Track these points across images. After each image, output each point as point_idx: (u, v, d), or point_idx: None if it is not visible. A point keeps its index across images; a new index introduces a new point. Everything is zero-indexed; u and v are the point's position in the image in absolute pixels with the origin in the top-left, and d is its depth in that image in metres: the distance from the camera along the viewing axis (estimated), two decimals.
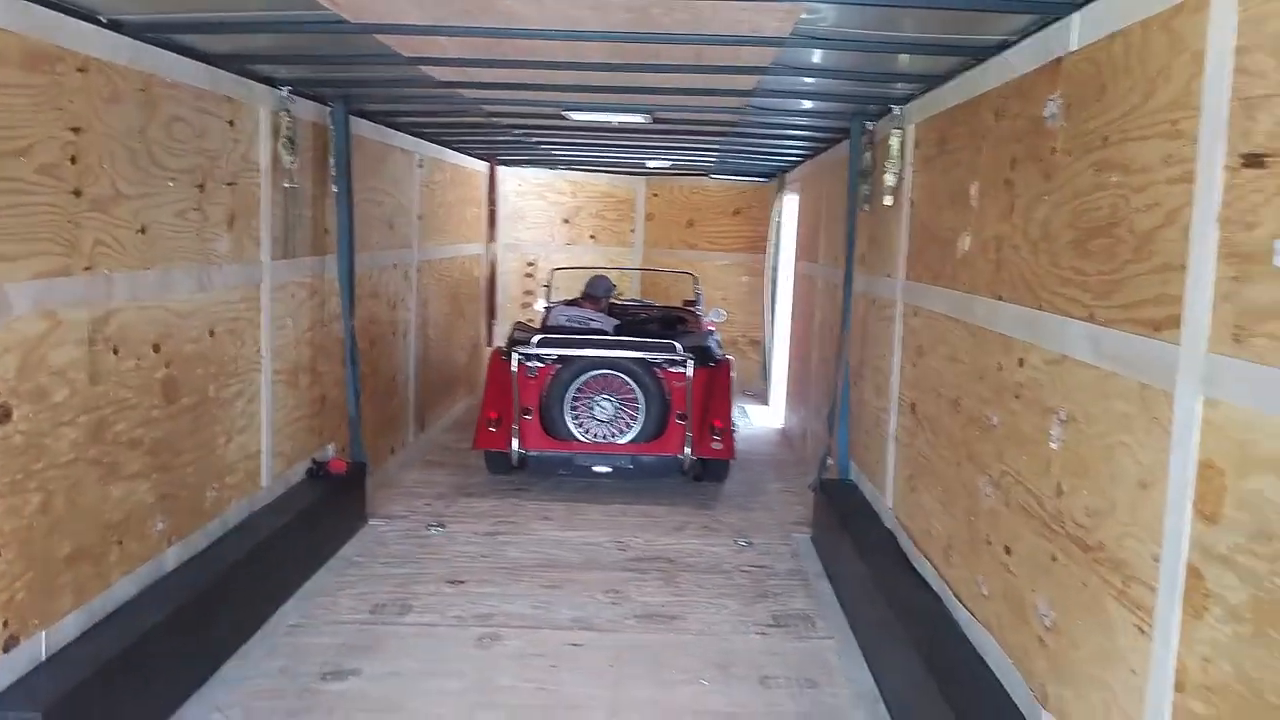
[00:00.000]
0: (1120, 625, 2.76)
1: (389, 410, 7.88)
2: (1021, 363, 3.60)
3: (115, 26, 3.90)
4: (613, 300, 9.88)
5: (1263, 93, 2.19)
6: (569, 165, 11.84)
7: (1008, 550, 3.67)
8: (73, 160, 3.64)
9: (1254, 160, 2.21)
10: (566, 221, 12.54)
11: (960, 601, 4.18)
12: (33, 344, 3.45)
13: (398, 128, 7.69)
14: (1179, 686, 2.44)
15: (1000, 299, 3.84)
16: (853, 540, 5.41)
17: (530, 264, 12.45)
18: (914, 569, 4.86)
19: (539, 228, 12.48)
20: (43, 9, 3.46)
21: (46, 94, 3.48)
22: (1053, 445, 3.29)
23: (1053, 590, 3.24)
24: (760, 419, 10.91)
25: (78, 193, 3.67)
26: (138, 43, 4.05)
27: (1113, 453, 2.86)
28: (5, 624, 3.35)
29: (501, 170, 11.80)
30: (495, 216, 11.45)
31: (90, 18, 3.76)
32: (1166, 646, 2.49)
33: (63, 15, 3.58)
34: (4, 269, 3.28)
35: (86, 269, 3.74)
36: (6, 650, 3.36)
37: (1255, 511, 2.17)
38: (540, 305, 9.77)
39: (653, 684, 4.49)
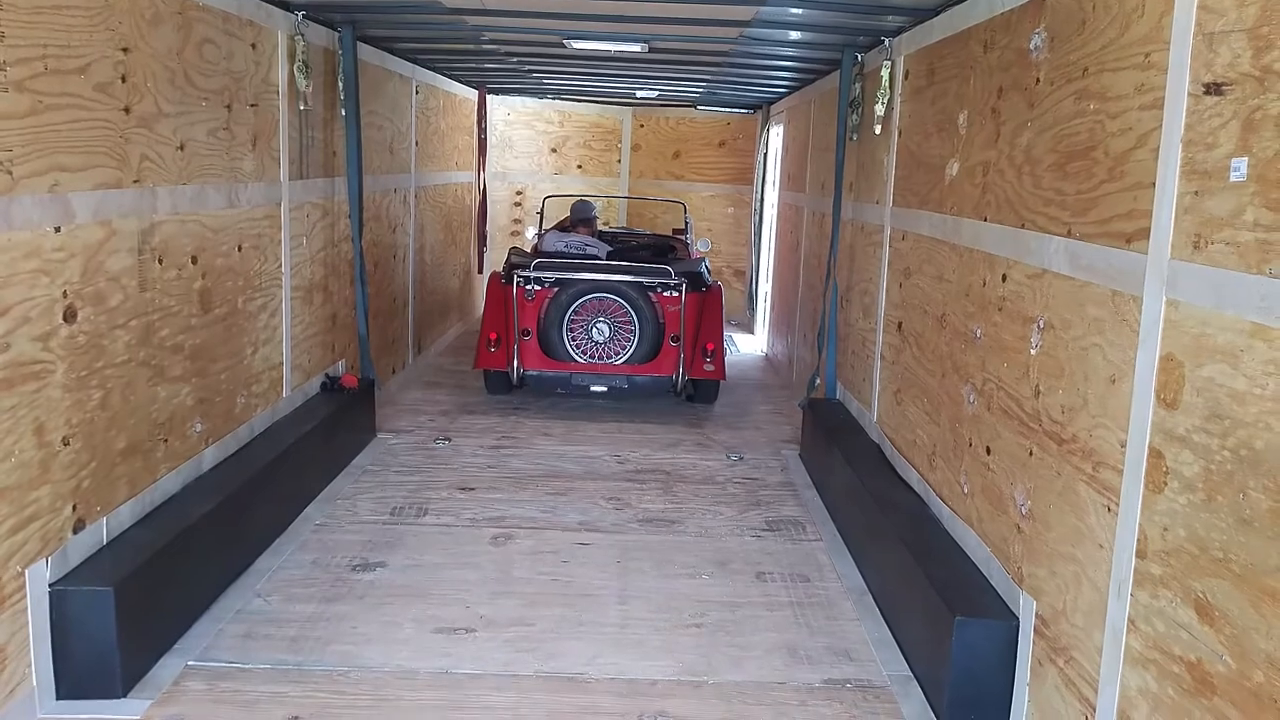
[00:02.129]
0: (1090, 506, 3.11)
1: (390, 331, 8.16)
2: (1005, 278, 3.93)
3: None
4: (602, 228, 10.15)
5: (1222, 28, 2.49)
6: (558, 95, 12.02)
7: (988, 450, 4.02)
8: (123, 79, 3.87)
9: (1214, 88, 2.52)
10: (554, 151, 12.75)
11: (943, 500, 4.55)
12: (93, 250, 3.72)
13: (396, 53, 7.87)
14: (1140, 554, 2.80)
15: (986, 220, 4.16)
16: (840, 452, 5.77)
17: (519, 193, 12.68)
18: (899, 476, 5.22)
19: (527, 157, 12.69)
20: None
21: (100, 14, 3.71)
22: (1032, 351, 3.63)
23: (1029, 481, 3.59)
24: (746, 346, 11.25)
25: (127, 110, 3.91)
26: None
27: (1086, 354, 3.19)
28: (75, 508, 3.66)
29: (491, 99, 11.96)
30: (485, 145, 11.65)
31: None
32: (1130, 520, 2.84)
33: None
34: (68, 179, 3.54)
35: (135, 182, 4.00)
36: (76, 532, 3.67)
37: (1208, 396, 2.51)
38: (531, 233, 10.02)
39: (658, 576, 4.86)
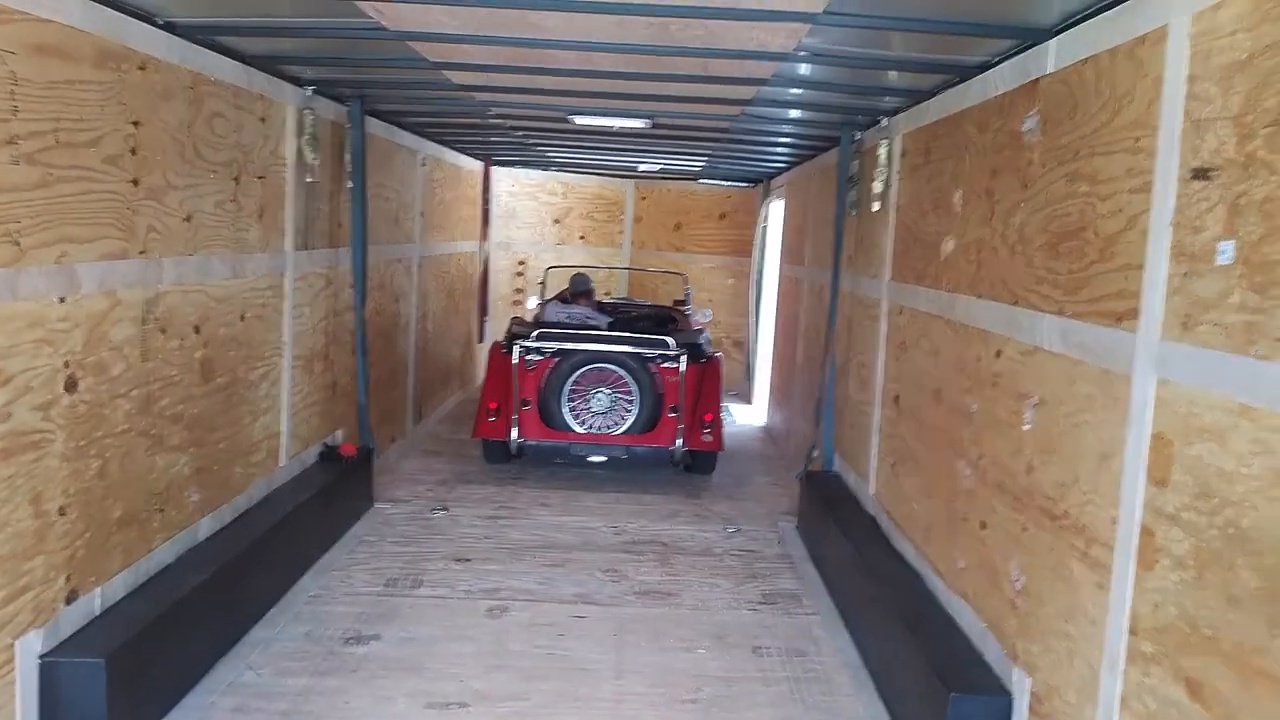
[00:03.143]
0: (1083, 582, 3.12)
1: (390, 400, 8.19)
2: (999, 354, 3.97)
3: (169, 28, 4.21)
4: (602, 299, 10.24)
5: (1209, 115, 2.56)
6: (562, 167, 12.18)
7: (983, 525, 4.03)
8: (133, 151, 3.95)
9: (1201, 173, 2.58)
10: (557, 222, 12.88)
11: (938, 575, 4.54)
12: (96, 320, 3.76)
13: (404, 126, 8.00)
14: (1132, 631, 2.80)
15: (980, 297, 4.21)
16: (837, 525, 5.77)
17: (521, 263, 12.78)
18: (894, 550, 5.21)
19: (530, 227, 12.82)
20: (112, 11, 3.77)
21: (113, 90, 3.79)
22: (1025, 427, 3.65)
23: (1023, 557, 3.60)
24: (745, 417, 11.26)
25: (136, 182, 3.99)
26: (187, 43, 4.36)
27: (1078, 431, 3.22)
28: (68, 578, 3.66)
29: (496, 170, 12.12)
30: (489, 215, 11.77)
31: (148, 19, 4.07)
32: (1122, 597, 2.85)
33: (127, 17, 3.89)
34: (75, 250, 3.59)
35: (141, 253, 4.05)
36: (69, 603, 3.66)
37: (1197, 474, 2.53)
38: (534, 303, 10.10)
39: (654, 651, 4.84)
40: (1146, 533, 2.75)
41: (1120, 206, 3.02)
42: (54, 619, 3.56)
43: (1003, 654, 3.72)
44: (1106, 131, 3.15)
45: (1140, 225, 2.88)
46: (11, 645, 3.35)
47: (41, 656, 3.47)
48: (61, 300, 3.53)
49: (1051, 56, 3.63)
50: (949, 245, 4.69)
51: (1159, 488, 2.70)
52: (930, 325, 4.92)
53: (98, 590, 3.86)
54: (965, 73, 4.50)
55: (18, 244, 3.27)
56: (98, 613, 3.85)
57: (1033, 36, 3.74)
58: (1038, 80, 3.74)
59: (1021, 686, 3.52)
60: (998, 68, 4.18)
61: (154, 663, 3.90)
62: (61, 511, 3.59)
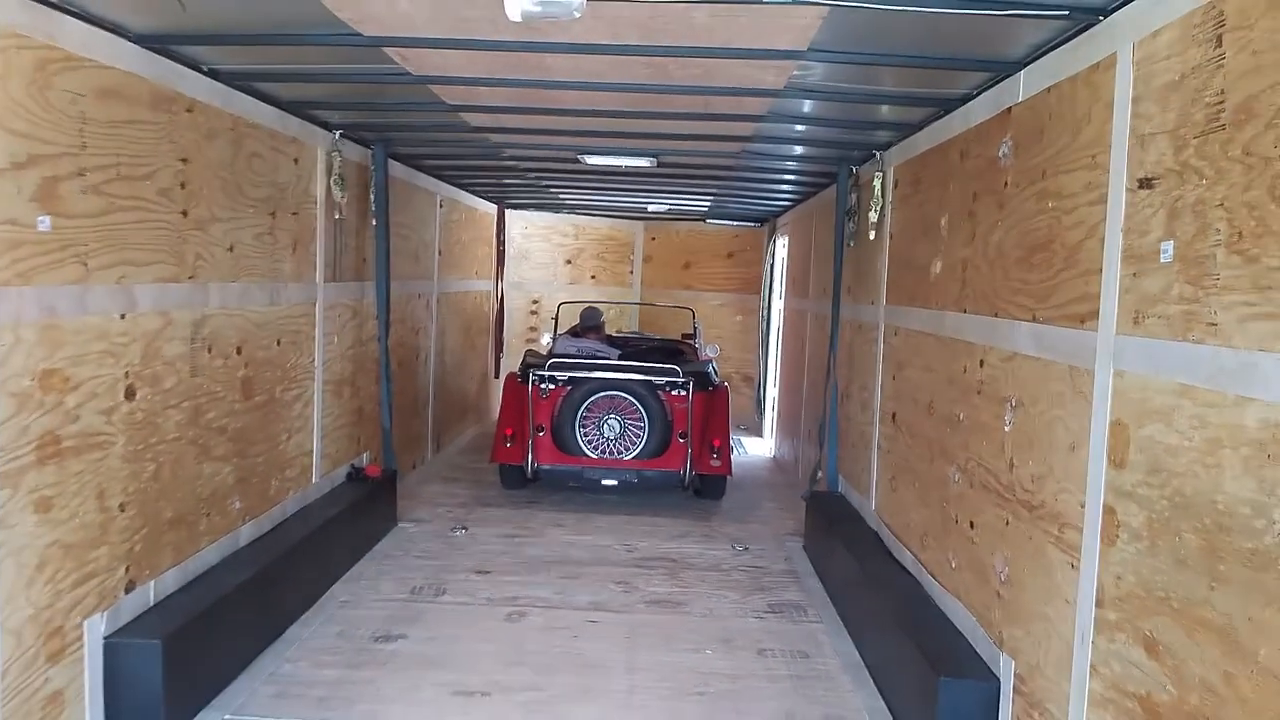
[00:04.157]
0: (1057, 565, 3.41)
1: (412, 428, 8.52)
2: (982, 363, 4.28)
3: (213, 75, 4.59)
4: (614, 333, 10.57)
5: (1151, 130, 2.89)
6: (573, 209, 12.58)
7: (971, 525, 4.32)
8: (182, 186, 4.32)
9: (1146, 182, 2.91)
10: (569, 262, 13.26)
11: (934, 577, 4.82)
12: (151, 337, 4.11)
13: (422, 170, 8.40)
14: (1099, 603, 3.09)
15: (965, 311, 4.53)
16: (840, 541, 6.05)
17: (535, 302, 13.15)
18: (894, 559, 5.49)
19: (543, 268, 13.20)
20: (164, 59, 4.15)
21: (165, 129, 4.17)
22: (1006, 429, 3.96)
23: (1007, 550, 3.88)
24: (755, 449, 11.56)
25: (185, 213, 4.35)
26: (229, 89, 4.74)
27: (1050, 426, 3.52)
28: (127, 569, 3.98)
29: (509, 213, 12.52)
30: (503, 256, 12.16)
31: (195, 67, 4.45)
32: (1090, 573, 3.14)
33: (178, 65, 4.27)
34: (134, 272, 3.95)
35: (190, 278, 4.41)
36: (127, 592, 3.99)
37: (1149, 453, 2.83)
38: (546, 338, 10.44)
39: (664, 651, 5.11)
40: (1108, 511, 3.05)
41: (1081, 218, 3.34)
42: (115, 605, 3.89)
43: (990, 642, 4.00)
44: (1069, 151, 3.48)
45: (1098, 234, 3.20)
46: (80, 625, 3.67)
47: (105, 638, 3.79)
48: (122, 317, 3.88)
49: (1021, 86, 3.98)
50: (937, 266, 5.01)
51: (1118, 469, 3.00)
52: (922, 343, 5.23)
53: (152, 583, 4.18)
54: (949, 105, 4.85)
55: (85, 265, 3.63)
56: (152, 603, 4.18)
57: (1005, 69, 4.08)
58: (1010, 109, 4.08)
59: (1007, 670, 3.79)
60: (977, 99, 4.52)
61: (203, 649, 4.20)
62: (121, 508, 3.92)
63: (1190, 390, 2.63)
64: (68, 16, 3.50)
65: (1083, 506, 3.22)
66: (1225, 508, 2.43)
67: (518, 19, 3.09)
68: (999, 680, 3.85)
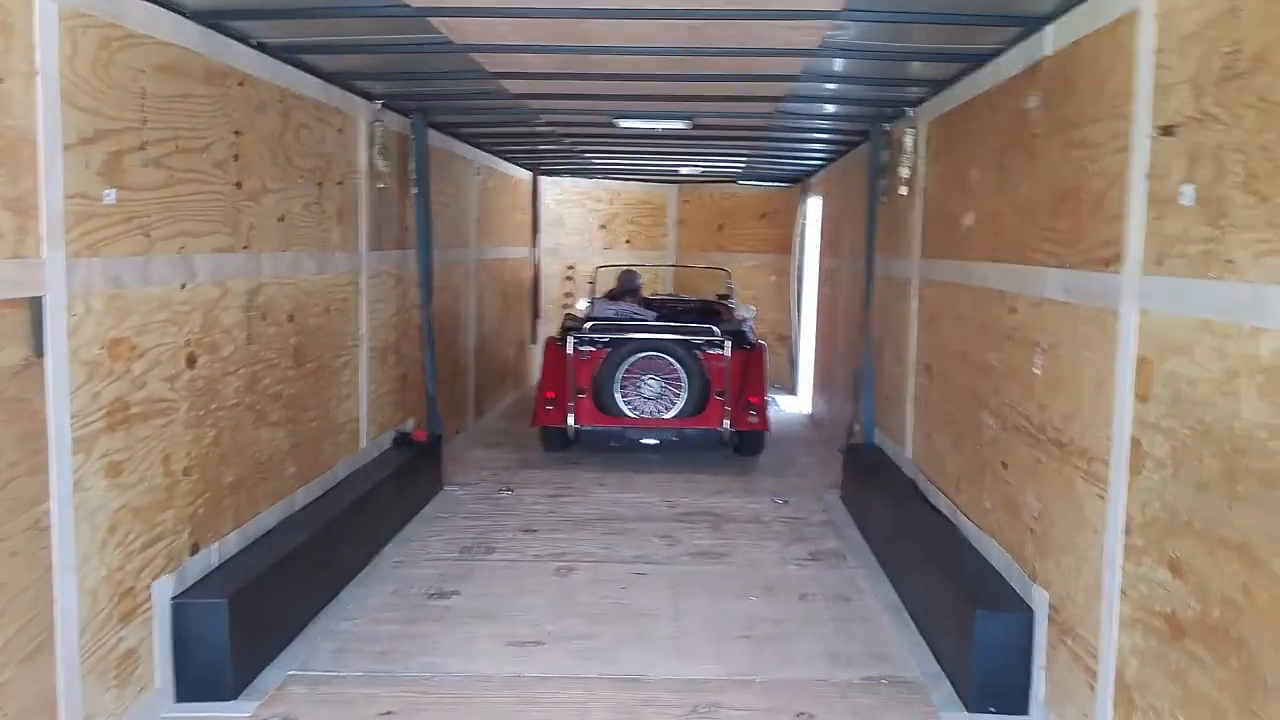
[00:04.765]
0: (1086, 498, 3.53)
1: (453, 395, 8.72)
2: (1012, 310, 4.39)
3: (261, 48, 4.75)
4: (650, 295, 10.72)
5: (1172, 80, 2.99)
6: (607, 174, 12.70)
7: (1005, 466, 4.45)
8: (235, 158, 4.49)
9: (1167, 130, 3.01)
10: (603, 227, 13.39)
11: (969, 519, 4.95)
12: (210, 306, 4.29)
13: (459, 138, 8.54)
14: (1127, 531, 3.22)
15: (996, 262, 4.64)
16: (877, 490, 6.19)
17: (570, 268, 13.30)
18: (931, 505, 5.62)
19: (578, 233, 13.34)
20: (216, 34, 4.30)
21: (219, 103, 4.33)
22: (1036, 372, 4.07)
23: (1039, 487, 4.01)
24: (790, 407, 11.69)
25: (239, 184, 4.52)
26: (277, 61, 4.90)
27: (1078, 367, 3.64)
28: (191, 532, 4.18)
29: (543, 180, 12.66)
30: (538, 222, 12.31)
31: (244, 40, 4.60)
32: (1118, 502, 3.27)
33: (228, 39, 4.43)
34: (192, 243, 4.13)
35: (245, 248, 4.59)
36: (192, 554, 4.19)
37: (1172, 386, 2.95)
38: (583, 303, 10.58)
39: (709, 599, 5.29)
40: (1134, 443, 3.17)
41: (1106, 167, 3.44)
42: (181, 567, 4.09)
43: (1024, 577, 4.14)
44: (1095, 102, 3.58)
45: (1122, 180, 3.30)
46: (149, 586, 3.86)
47: (173, 598, 3.98)
48: (183, 286, 4.07)
49: (1050, 40, 4.06)
50: (969, 219, 5.11)
51: (1143, 403, 3.12)
52: (956, 294, 5.34)
53: (215, 545, 4.38)
54: (979, 60, 4.93)
55: (148, 236, 3.81)
56: (215, 565, 4.37)
57: (1033, 24, 4.16)
58: (1039, 62, 4.16)
59: (1040, 600, 3.93)
60: (1007, 54, 4.61)
61: (266, 609, 4.40)
62: (185, 472, 4.12)
63: (1209, 325, 2.74)
64: None
65: (1110, 440, 3.34)
66: (1242, 432, 2.55)
67: None
68: (1033, 611, 3.99)
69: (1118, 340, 3.29)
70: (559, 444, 8.56)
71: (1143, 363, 3.14)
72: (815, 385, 11.16)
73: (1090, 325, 3.54)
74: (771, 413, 9.48)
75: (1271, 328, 2.43)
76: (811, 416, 11.09)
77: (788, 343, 12.94)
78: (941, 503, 5.47)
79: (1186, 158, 2.90)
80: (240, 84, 4.52)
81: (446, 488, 7.46)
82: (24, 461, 3.12)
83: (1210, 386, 2.72)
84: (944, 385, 5.53)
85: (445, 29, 4.57)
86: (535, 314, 12.46)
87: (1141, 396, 3.13)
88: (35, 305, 3.15)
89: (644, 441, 8.22)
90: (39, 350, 3.17)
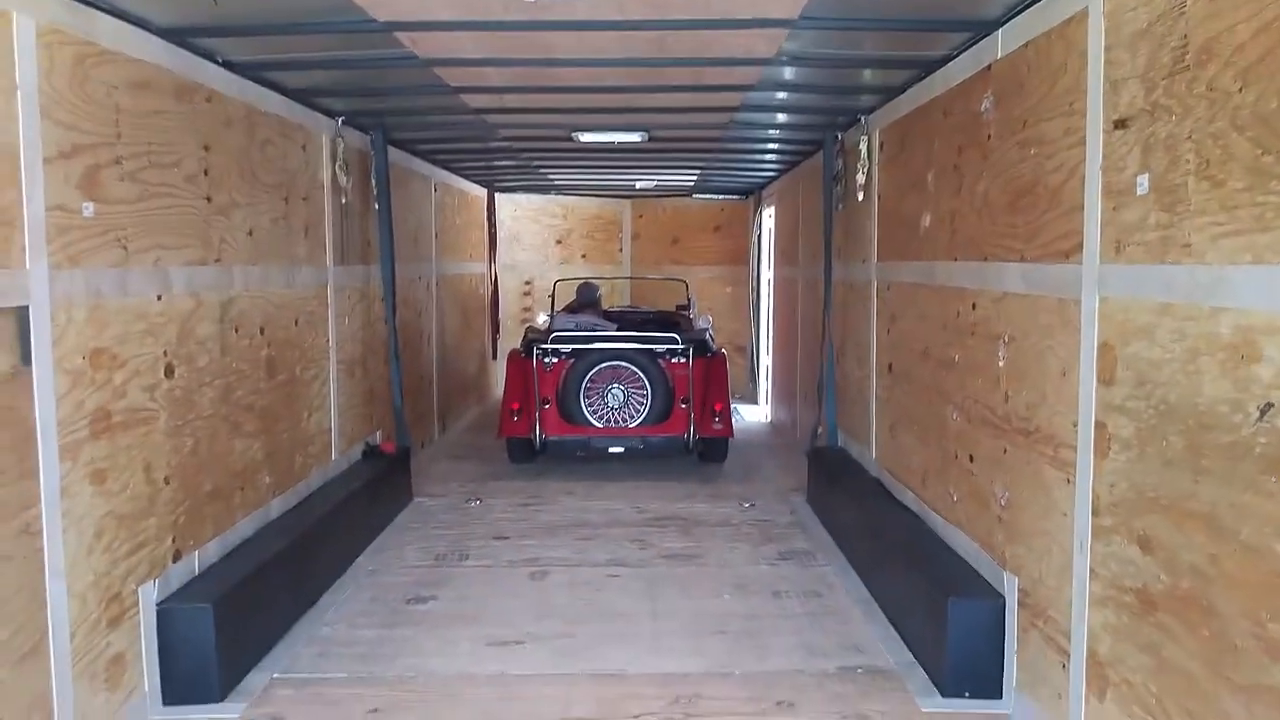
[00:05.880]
0: (1053, 483, 3.66)
1: (417, 409, 8.74)
2: (974, 306, 4.53)
3: (228, 66, 4.78)
4: (609, 308, 10.81)
5: (1123, 75, 3.13)
6: (562, 190, 12.79)
7: (971, 458, 4.57)
8: (205, 173, 4.52)
9: (1121, 123, 3.15)
10: (559, 243, 13.48)
11: (936, 513, 5.07)
12: (185, 317, 4.32)
13: (417, 154, 8.59)
14: (1095, 512, 3.34)
15: (955, 260, 4.77)
16: (843, 491, 6.31)
17: (528, 283, 13.37)
18: (897, 501, 5.75)
19: (534, 249, 13.42)
20: (185, 51, 4.34)
21: (188, 119, 4.37)
22: (1000, 364, 4.20)
23: (1006, 476, 4.14)
24: (751, 416, 11.82)
25: (209, 199, 4.55)
26: (243, 79, 4.94)
27: (1042, 356, 3.77)
28: (173, 540, 4.20)
29: (499, 197, 12.72)
30: (495, 238, 12.37)
31: (211, 58, 4.64)
32: (1085, 485, 3.39)
33: (196, 56, 4.46)
34: (167, 255, 4.16)
35: (216, 261, 4.62)
36: (174, 561, 4.21)
37: (1135, 368, 3.08)
38: (543, 317, 10.65)
39: (684, 598, 5.37)
40: (1099, 426, 3.30)
41: (1062, 161, 3.58)
42: (164, 573, 4.11)
43: (993, 564, 4.25)
44: (1048, 100, 3.72)
45: (1078, 174, 3.44)
46: (135, 591, 3.89)
47: (159, 604, 4.00)
48: (159, 298, 4.09)
49: (1000, 44, 4.21)
50: (926, 220, 5.25)
51: (1107, 387, 3.25)
52: (915, 294, 5.47)
53: (195, 553, 4.40)
54: (930, 66, 5.08)
55: (125, 248, 3.84)
56: (197, 572, 4.40)
57: (984, 29, 4.32)
58: (990, 65, 4.31)
59: (1011, 586, 4.05)
60: (958, 59, 4.75)
61: (249, 614, 4.42)
62: (166, 481, 4.14)
63: (1169, 307, 2.87)
64: (98, 12, 3.69)
65: (1075, 425, 3.46)
66: (1206, 408, 2.67)
67: None
68: (1004, 597, 4.11)
69: (1080, 328, 3.42)
70: (525, 455, 8.61)
71: (1105, 348, 3.27)
72: (775, 393, 11.30)
73: (1052, 315, 3.67)
74: (734, 420, 9.59)
75: (1230, 305, 2.55)
76: (773, 424, 11.22)
77: (745, 352, 13.08)
78: (908, 499, 5.59)
79: (1141, 149, 3.04)
80: (208, 100, 4.56)
81: (417, 499, 7.48)
82: (14, 467, 3.15)
83: (1173, 367, 2.85)
84: (907, 384, 5.66)
85: (409, 43, 4.63)
86: (495, 329, 12.50)
87: (1105, 381, 3.26)
88: (21, 314, 3.18)
89: (610, 450, 8.29)
90: (26, 358, 3.20)
